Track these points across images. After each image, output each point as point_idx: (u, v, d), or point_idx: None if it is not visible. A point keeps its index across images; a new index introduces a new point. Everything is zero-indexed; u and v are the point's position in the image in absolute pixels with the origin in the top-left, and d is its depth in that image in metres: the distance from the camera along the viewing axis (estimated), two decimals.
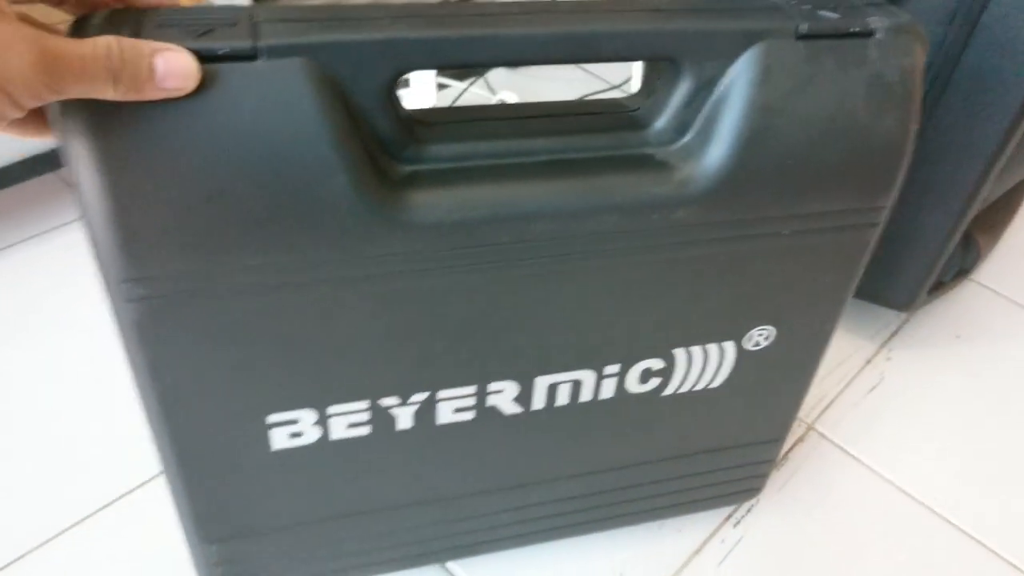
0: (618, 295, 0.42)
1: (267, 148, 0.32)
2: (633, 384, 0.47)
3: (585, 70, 1.14)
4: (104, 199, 0.32)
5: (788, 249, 0.43)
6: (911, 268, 0.71)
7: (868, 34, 0.38)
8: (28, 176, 0.74)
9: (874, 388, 0.72)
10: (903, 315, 0.80)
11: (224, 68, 0.31)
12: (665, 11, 0.37)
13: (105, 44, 0.29)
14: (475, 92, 1.03)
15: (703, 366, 0.48)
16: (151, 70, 0.29)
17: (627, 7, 0.37)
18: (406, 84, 0.91)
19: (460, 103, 1.01)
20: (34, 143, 0.73)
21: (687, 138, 0.39)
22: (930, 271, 0.72)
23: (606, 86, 1.09)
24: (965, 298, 0.83)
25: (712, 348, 0.47)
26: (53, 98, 0.28)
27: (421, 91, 0.92)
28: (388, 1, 0.39)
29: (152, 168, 0.32)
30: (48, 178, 0.85)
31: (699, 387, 0.49)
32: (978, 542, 0.60)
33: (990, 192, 0.71)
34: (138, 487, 0.59)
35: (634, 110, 0.41)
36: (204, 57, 0.31)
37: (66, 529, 0.56)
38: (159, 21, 0.32)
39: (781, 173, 0.39)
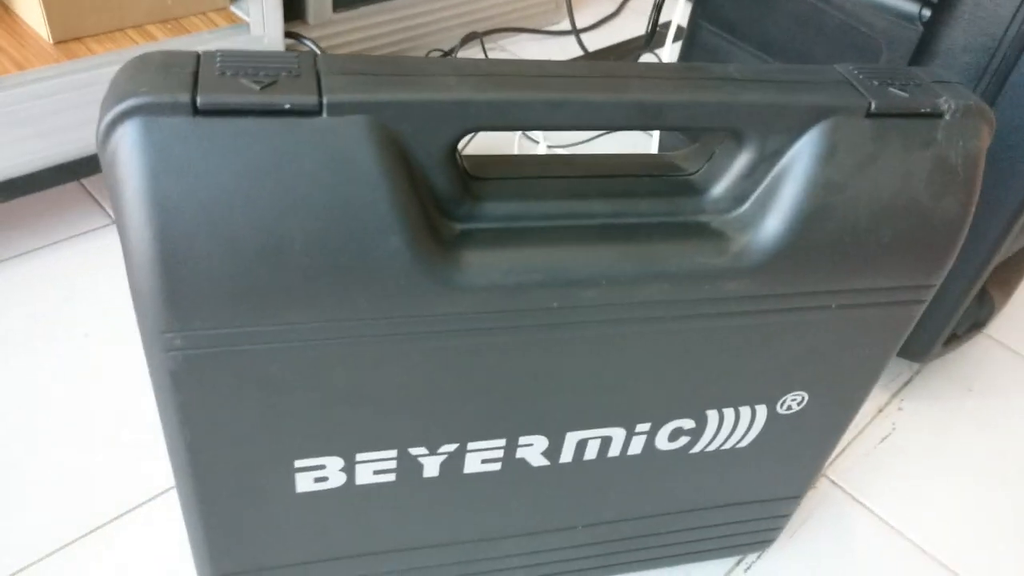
0: (657, 359, 0.41)
1: (325, 205, 0.31)
2: (662, 442, 0.46)
3: None
4: (152, 246, 0.31)
5: (832, 321, 0.42)
6: (928, 320, 0.71)
7: (937, 115, 0.38)
8: (52, 184, 0.73)
9: (885, 438, 0.72)
10: (915, 366, 0.79)
11: (287, 122, 0.30)
12: (734, 81, 0.36)
13: None
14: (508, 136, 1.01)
15: (733, 427, 0.47)
16: None
17: (696, 75, 0.36)
18: None
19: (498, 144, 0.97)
20: (59, 151, 0.71)
21: (744, 209, 0.38)
22: (946, 324, 0.71)
23: None
24: (977, 352, 0.82)
25: (744, 410, 0.46)
26: None
27: None
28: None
29: (207, 218, 0.30)
30: (70, 186, 0.83)
31: (727, 446, 0.48)
32: None
33: (1007, 248, 0.71)
34: (142, 504, 0.58)
35: (692, 173, 0.40)
36: (269, 112, 0.29)
37: (68, 543, 0.55)
38: (220, 67, 0.30)
39: (836, 250, 0.39)
